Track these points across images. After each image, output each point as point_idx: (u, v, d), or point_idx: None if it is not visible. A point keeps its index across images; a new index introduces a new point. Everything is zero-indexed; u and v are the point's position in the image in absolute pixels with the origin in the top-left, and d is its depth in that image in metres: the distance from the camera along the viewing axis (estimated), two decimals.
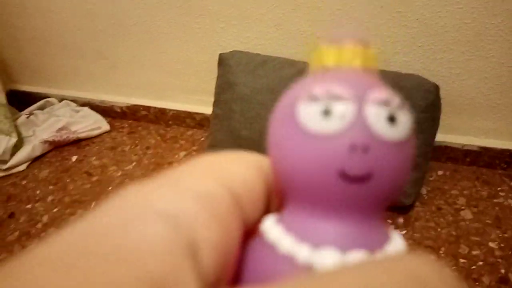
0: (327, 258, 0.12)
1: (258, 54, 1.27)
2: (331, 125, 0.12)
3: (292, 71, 1.20)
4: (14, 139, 1.45)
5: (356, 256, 0.12)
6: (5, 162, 1.41)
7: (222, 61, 1.27)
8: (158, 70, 1.51)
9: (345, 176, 0.12)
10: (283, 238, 0.13)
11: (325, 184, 0.12)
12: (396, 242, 0.13)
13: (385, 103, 0.12)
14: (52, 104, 1.68)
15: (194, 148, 1.46)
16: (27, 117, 1.58)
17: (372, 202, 0.13)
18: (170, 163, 1.39)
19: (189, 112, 1.54)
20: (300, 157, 0.13)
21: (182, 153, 1.44)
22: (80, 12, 1.48)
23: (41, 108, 1.67)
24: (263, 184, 0.14)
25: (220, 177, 0.13)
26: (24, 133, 1.53)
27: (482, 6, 1.09)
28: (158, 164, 1.40)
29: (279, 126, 0.14)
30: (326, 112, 0.12)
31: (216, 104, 1.30)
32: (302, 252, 0.12)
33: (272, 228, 0.13)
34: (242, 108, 1.23)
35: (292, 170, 0.13)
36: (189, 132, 1.54)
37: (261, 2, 1.27)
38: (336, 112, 0.12)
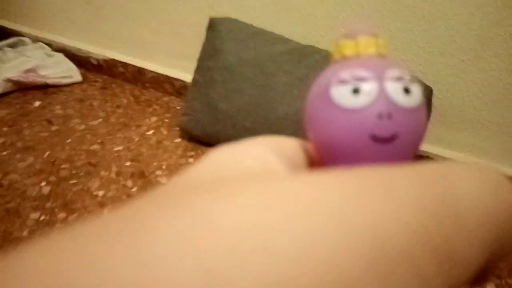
0: None
1: (251, 25, 1.19)
2: (360, 101, 0.15)
3: (282, 48, 1.13)
4: None
5: None
6: None
7: (212, 25, 1.19)
8: (144, 26, 1.42)
9: (376, 139, 0.15)
10: None
11: (360, 147, 0.15)
12: None
13: (400, 78, 0.15)
14: (25, 44, 1.56)
15: (168, 115, 1.37)
16: None
17: (398, 159, 0.16)
18: (138, 126, 1.30)
19: (169, 77, 1.44)
20: (338, 128, 0.16)
21: (154, 118, 1.35)
22: None
23: (13, 46, 1.54)
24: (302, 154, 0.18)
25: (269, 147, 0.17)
26: None
27: (493, 14, 1.03)
28: (125, 124, 1.30)
29: (316, 107, 0.16)
30: (355, 91, 0.15)
31: (198, 70, 1.21)
32: None
33: None
34: (224, 78, 1.15)
35: (331, 140, 0.16)
36: (166, 98, 1.45)
37: None
38: (363, 90, 0.15)
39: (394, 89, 0.15)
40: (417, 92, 0.16)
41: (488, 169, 0.14)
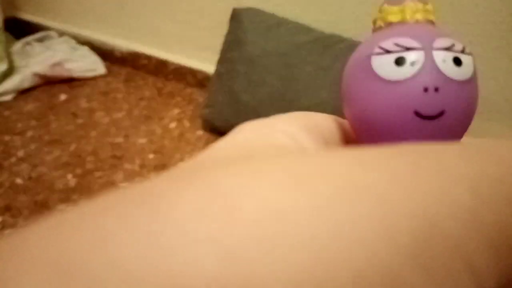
0: None
1: (274, 15, 1.17)
2: (404, 72, 0.14)
3: (306, 39, 1.11)
4: (4, 66, 1.37)
5: None
6: None
7: (235, 16, 1.18)
8: (167, 18, 1.42)
9: (420, 115, 0.14)
10: None
11: (404, 123, 0.14)
12: None
13: (449, 48, 0.14)
14: (51, 38, 1.59)
15: (190, 107, 1.37)
16: (23, 47, 1.50)
17: (445, 138, 0.14)
18: (161, 118, 1.31)
19: (192, 69, 1.44)
20: (380, 103, 0.14)
21: (176, 110, 1.35)
22: None
23: (40, 40, 1.58)
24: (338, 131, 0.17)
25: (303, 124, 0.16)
26: (17, 62, 1.44)
27: None
28: (148, 117, 1.31)
29: (355, 78, 0.15)
30: (398, 61, 0.14)
31: (220, 61, 1.21)
32: None
33: None
34: (247, 70, 1.14)
35: (371, 115, 0.15)
36: (188, 90, 1.45)
37: None
38: (407, 60, 0.14)
39: (442, 60, 0.14)
40: (469, 64, 0.14)
41: None
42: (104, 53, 1.54)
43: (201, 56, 1.43)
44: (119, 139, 1.21)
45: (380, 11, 0.16)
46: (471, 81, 0.14)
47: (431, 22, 0.16)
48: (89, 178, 1.07)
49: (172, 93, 1.43)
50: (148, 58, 1.50)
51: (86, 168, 1.10)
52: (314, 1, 1.19)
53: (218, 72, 1.22)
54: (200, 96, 1.42)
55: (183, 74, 1.46)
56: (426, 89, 0.14)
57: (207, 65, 1.40)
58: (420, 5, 0.15)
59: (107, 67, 1.51)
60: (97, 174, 1.09)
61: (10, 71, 1.39)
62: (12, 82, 1.37)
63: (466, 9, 1.06)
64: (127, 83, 1.47)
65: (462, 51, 0.14)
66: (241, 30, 1.15)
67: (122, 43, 1.53)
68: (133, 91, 1.43)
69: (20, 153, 1.16)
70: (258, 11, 1.17)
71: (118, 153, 1.16)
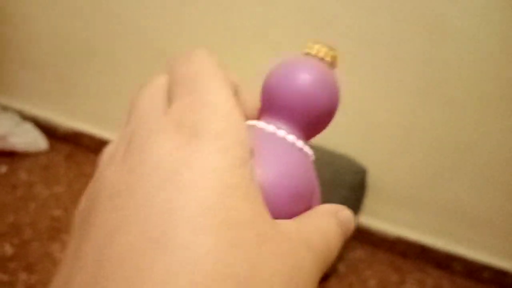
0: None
1: None
2: None
3: None
4: None
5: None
6: None
7: None
8: (111, 100, 1.54)
9: None
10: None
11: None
12: None
13: None
14: None
15: None
16: None
17: None
18: None
19: None
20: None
21: None
22: (50, 28, 1.51)
23: None
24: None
25: None
26: None
27: (417, 100, 1.24)
28: None
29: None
30: None
31: None
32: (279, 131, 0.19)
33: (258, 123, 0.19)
34: None
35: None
36: None
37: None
38: None
39: None
40: None
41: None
42: (48, 130, 1.61)
43: None
44: (58, 212, 1.26)
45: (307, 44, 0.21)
46: None
47: (334, 61, 0.20)
48: (26, 248, 1.10)
49: None
50: (91, 137, 1.59)
51: (23, 238, 1.13)
52: None
53: None
54: None
55: None
56: None
57: None
58: (325, 48, 0.20)
59: (50, 144, 1.58)
60: (35, 244, 1.12)
61: None
62: None
63: (370, 112, 1.28)
64: (69, 159, 1.54)
65: None
66: None
67: (66, 121, 1.62)
68: (74, 167, 1.50)
69: None
70: None
71: (56, 225, 1.20)
